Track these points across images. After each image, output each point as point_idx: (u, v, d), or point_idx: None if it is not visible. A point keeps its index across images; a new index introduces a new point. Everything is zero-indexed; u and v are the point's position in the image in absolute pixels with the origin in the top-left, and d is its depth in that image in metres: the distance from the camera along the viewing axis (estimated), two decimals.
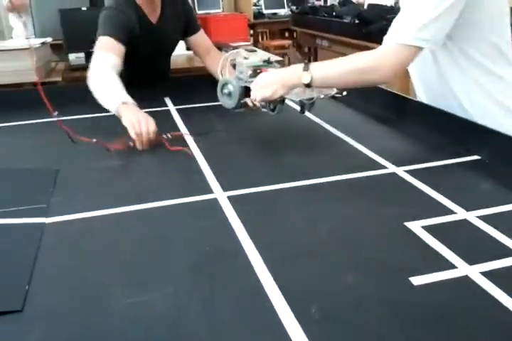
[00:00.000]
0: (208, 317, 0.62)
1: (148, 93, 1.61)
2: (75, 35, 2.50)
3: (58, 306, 0.65)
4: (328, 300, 0.65)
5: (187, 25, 1.80)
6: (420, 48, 1.07)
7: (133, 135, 1.18)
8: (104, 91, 1.39)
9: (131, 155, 1.17)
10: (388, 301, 0.64)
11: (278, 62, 1.24)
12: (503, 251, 0.74)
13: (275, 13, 5.74)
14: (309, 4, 5.80)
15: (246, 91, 1.17)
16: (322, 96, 1.26)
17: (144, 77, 1.70)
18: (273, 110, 1.19)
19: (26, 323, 0.62)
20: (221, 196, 0.94)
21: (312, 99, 1.17)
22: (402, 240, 0.79)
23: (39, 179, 1.05)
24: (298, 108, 1.24)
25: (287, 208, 0.91)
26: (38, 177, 1.06)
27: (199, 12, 3.82)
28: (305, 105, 1.19)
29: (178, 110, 1.53)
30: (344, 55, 1.16)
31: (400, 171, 1.04)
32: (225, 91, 1.21)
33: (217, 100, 1.24)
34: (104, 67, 1.45)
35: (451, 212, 0.86)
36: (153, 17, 1.70)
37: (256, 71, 1.17)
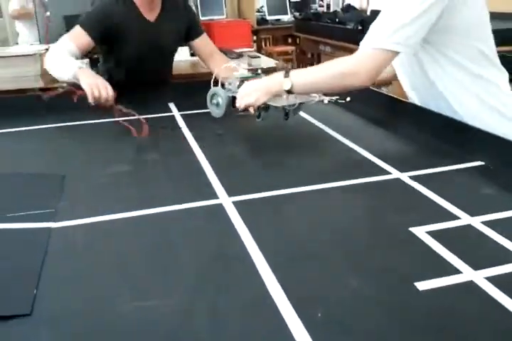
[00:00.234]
0: (213, 321, 0.62)
1: (153, 98, 1.62)
2: None
3: (65, 310, 0.65)
4: (334, 305, 0.65)
5: (190, 29, 1.83)
6: (396, 53, 1.09)
7: (91, 99, 1.26)
8: (59, 62, 1.52)
9: (137, 161, 1.18)
10: (394, 306, 0.65)
11: (267, 72, 1.30)
12: (508, 257, 0.74)
13: (278, 19, 5.76)
14: (312, 10, 5.84)
15: (234, 101, 1.24)
16: (326, 101, 1.27)
17: (143, 76, 1.74)
18: (258, 117, 1.24)
19: (34, 327, 0.62)
20: (226, 201, 0.95)
21: (295, 105, 1.21)
22: (407, 245, 0.79)
23: (46, 184, 1.05)
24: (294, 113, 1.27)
25: (292, 213, 0.92)
26: (45, 182, 1.06)
27: (203, 18, 3.84)
28: (289, 111, 1.24)
29: (182, 115, 1.54)
30: None
31: (405, 177, 1.04)
32: (214, 101, 1.30)
33: None
34: (62, 50, 1.58)
35: (455, 217, 0.86)
36: (151, 15, 1.74)
37: (243, 82, 1.24)
